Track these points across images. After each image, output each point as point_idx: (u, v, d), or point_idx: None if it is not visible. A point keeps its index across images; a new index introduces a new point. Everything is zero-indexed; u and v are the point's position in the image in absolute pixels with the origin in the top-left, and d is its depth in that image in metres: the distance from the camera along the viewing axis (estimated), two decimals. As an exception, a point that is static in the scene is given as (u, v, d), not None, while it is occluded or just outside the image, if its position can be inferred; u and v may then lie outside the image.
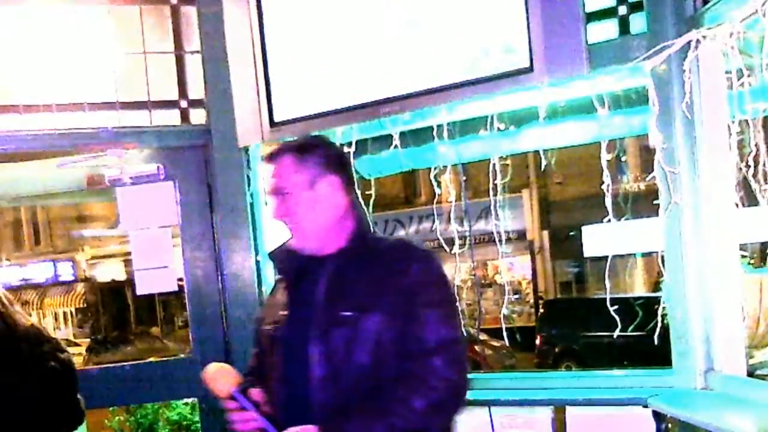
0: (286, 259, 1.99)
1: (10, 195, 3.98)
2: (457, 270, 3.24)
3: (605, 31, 2.57)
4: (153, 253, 3.49)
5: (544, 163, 3.25)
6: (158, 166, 3.48)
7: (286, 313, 1.94)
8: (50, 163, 3.57)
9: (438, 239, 3.34)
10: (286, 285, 1.99)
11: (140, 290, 3.53)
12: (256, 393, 1.88)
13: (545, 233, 17.38)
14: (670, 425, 2.49)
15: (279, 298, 2.00)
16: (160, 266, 3.48)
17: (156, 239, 3.50)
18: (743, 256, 2.63)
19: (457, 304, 1.93)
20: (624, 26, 2.55)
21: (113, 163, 3.47)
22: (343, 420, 1.75)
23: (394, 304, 1.79)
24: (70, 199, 4.45)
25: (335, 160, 1.95)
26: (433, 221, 3.56)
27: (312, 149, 1.93)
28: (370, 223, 2.06)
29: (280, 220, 1.94)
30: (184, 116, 3.47)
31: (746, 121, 2.44)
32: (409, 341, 1.78)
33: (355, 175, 2.06)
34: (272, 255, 2.06)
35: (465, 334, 1.88)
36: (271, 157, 1.94)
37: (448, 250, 3.34)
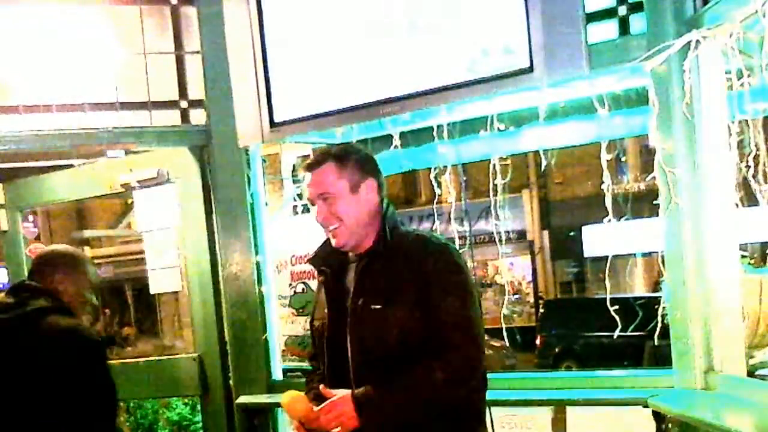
0: (325, 260, 2.17)
1: (42, 202, 4.15)
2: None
3: (605, 31, 2.57)
4: (160, 254, 3.53)
5: (544, 163, 3.25)
6: (158, 170, 3.50)
7: (326, 310, 2.12)
8: (79, 170, 3.66)
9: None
10: (326, 284, 2.17)
11: (153, 290, 3.61)
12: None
13: (545, 233, 17.36)
14: (670, 425, 2.49)
15: (322, 297, 2.18)
16: (166, 266, 3.52)
17: (161, 240, 3.53)
18: (743, 256, 2.63)
19: (474, 289, 2.08)
20: (624, 27, 2.55)
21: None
22: (372, 390, 1.94)
23: (414, 294, 1.98)
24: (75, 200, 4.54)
25: (371, 165, 2.14)
26: (434, 221, 3.56)
27: (350, 155, 2.11)
28: (396, 218, 2.18)
29: (323, 223, 2.09)
30: (184, 116, 3.48)
31: (746, 121, 2.44)
32: (430, 323, 1.97)
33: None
34: (313, 260, 2.23)
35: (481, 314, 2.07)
36: (312, 165, 2.11)
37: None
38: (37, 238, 4.76)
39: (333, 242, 2.10)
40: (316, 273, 2.27)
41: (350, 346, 2.03)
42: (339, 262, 2.15)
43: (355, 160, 2.10)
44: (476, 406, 2.10)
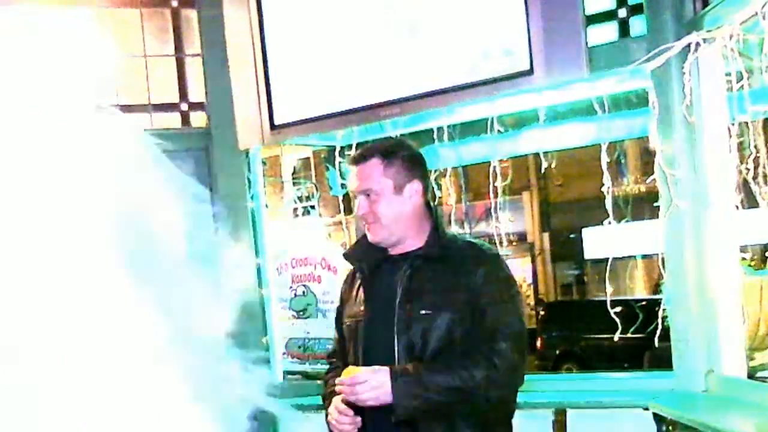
0: (362, 257, 2.12)
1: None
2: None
3: (605, 33, 2.58)
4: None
5: (544, 165, 3.25)
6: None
7: (363, 308, 2.08)
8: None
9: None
10: (363, 282, 2.11)
11: None
12: None
13: (546, 235, 17.36)
14: (671, 427, 2.49)
15: (355, 294, 2.13)
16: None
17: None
18: (743, 258, 2.63)
19: (522, 301, 2.08)
20: (624, 29, 2.56)
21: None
22: (410, 367, 1.92)
23: (464, 302, 1.96)
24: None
25: (419, 166, 2.08)
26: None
27: (398, 153, 2.05)
28: (444, 223, 2.16)
29: (362, 217, 2.06)
30: (185, 119, 3.48)
31: (746, 123, 2.44)
32: (478, 330, 1.95)
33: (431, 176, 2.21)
34: (349, 256, 2.20)
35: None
36: (358, 159, 2.07)
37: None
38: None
39: (369, 237, 2.06)
40: (354, 269, 2.20)
41: (397, 350, 1.97)
42: (376, 260, 2.10)
43: (402, 158, 2.04)
44: (507, 412, 2.07)
